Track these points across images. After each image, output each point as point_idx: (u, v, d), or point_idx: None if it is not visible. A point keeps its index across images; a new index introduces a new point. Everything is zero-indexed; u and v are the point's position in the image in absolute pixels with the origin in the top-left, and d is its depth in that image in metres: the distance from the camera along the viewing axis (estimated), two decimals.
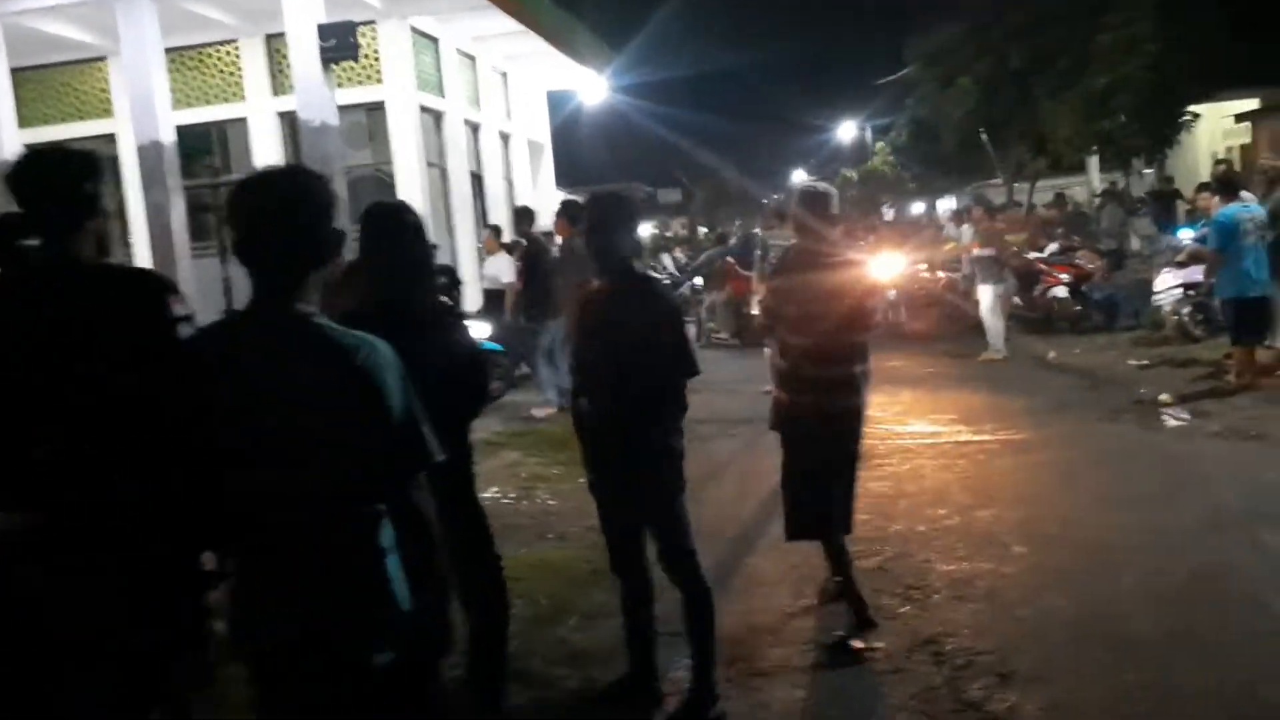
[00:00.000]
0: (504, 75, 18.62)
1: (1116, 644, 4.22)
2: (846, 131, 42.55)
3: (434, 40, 15.36)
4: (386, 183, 14.38)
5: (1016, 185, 25.71)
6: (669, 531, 3.82)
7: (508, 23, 15.43)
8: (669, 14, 25.48)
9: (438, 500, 2.38)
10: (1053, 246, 14.29)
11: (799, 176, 52.19)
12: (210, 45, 14.13)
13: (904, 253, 14.35)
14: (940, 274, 15.55)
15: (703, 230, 39.30)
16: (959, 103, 23.35)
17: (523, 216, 11.91)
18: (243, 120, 14.23)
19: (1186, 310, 11.31)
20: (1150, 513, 5.78)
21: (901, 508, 6.34)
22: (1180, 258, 11.69)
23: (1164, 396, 8.79)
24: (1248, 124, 23.06)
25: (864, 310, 4.53)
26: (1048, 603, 4.69)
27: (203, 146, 14.54)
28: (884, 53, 31.01)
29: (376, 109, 14.20)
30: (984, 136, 26.12)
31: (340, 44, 11.70)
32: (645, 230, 46.65)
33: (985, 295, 11.85)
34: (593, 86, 20.59)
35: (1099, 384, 9.96)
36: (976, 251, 12.20)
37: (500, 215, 17.32)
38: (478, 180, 17.06)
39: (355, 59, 12.02)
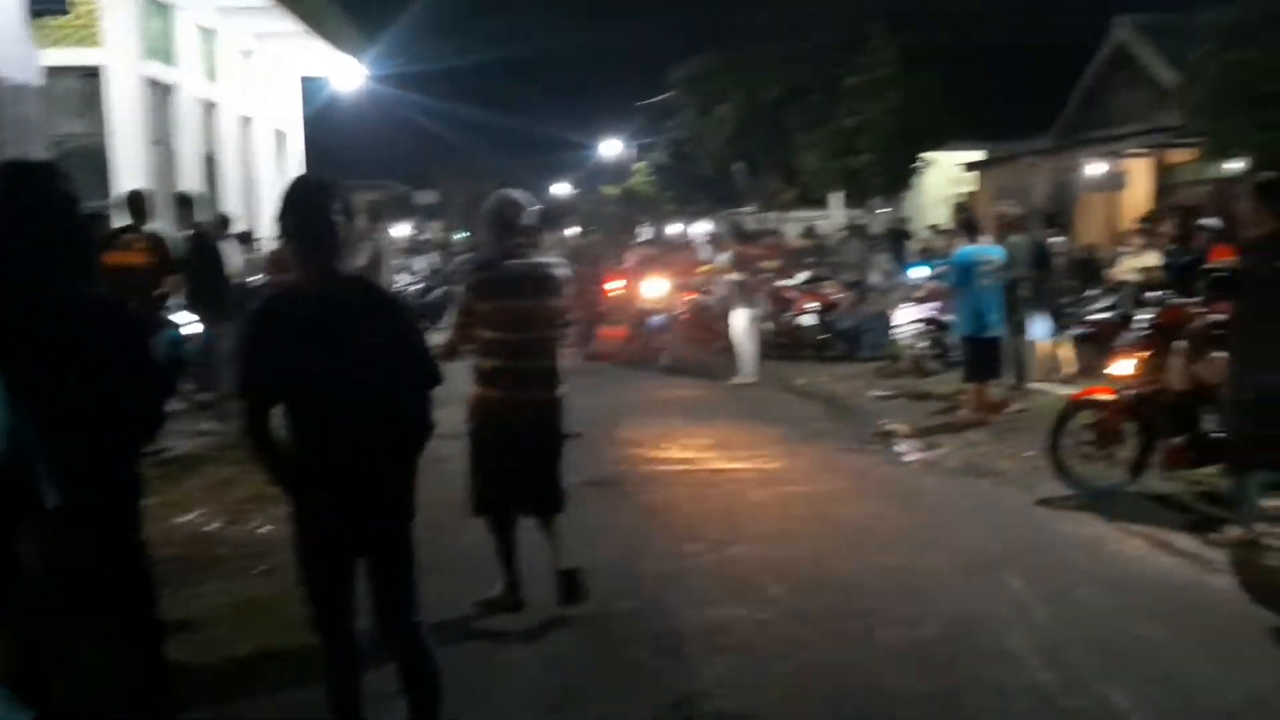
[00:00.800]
0: (248, 54, 17.19)
1: (877, 703, 4.00)
2: (611, 147, 42.87)
3: (166, 6, 13.87)
4: (100, 158, 12.80)
5: (769, 215, 26.58)
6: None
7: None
8: (433, 5, 24.49)
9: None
10: (802, 275, 14.68)
11: (561, 188, 52.33)
12: None
13: (665, 274, 14.28)
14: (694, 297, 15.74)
15: (459, 235, 38.43)
16: (717, 130, 23.85)
17: (183, 204, 10.55)
18: None
19: (924, 345, 11.78)
20: (903, 554, 5.71)
21: (653, 544, 6.00)
22: (919, 293, 12.19)
23: (901, 429, 9.01)
24: (976, 173, 24.91)
25: (554, 309, 4.82)
26: (806, 656, 4.44)
27: None
28: (654, 71, 31.34)
29: (93, 75, 12.60)
30: (737, 167, 26.93)
31: None
32: (402, 231, 45.15)
33: (738, 320, 11.90)
34: (348, 74, 19.44)
35: (844, 414, 10.12)
36: (731, 276, 12.23)
37: (236, 203, 15.97)
38: (211, 163, 15.59)
39: (65, 12, 10.55)
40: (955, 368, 10.46)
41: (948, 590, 5.15)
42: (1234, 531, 5.72)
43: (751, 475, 7.67)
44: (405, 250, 23.70)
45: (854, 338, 13.19)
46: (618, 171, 41.16)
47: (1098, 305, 10.67)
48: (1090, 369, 9.82)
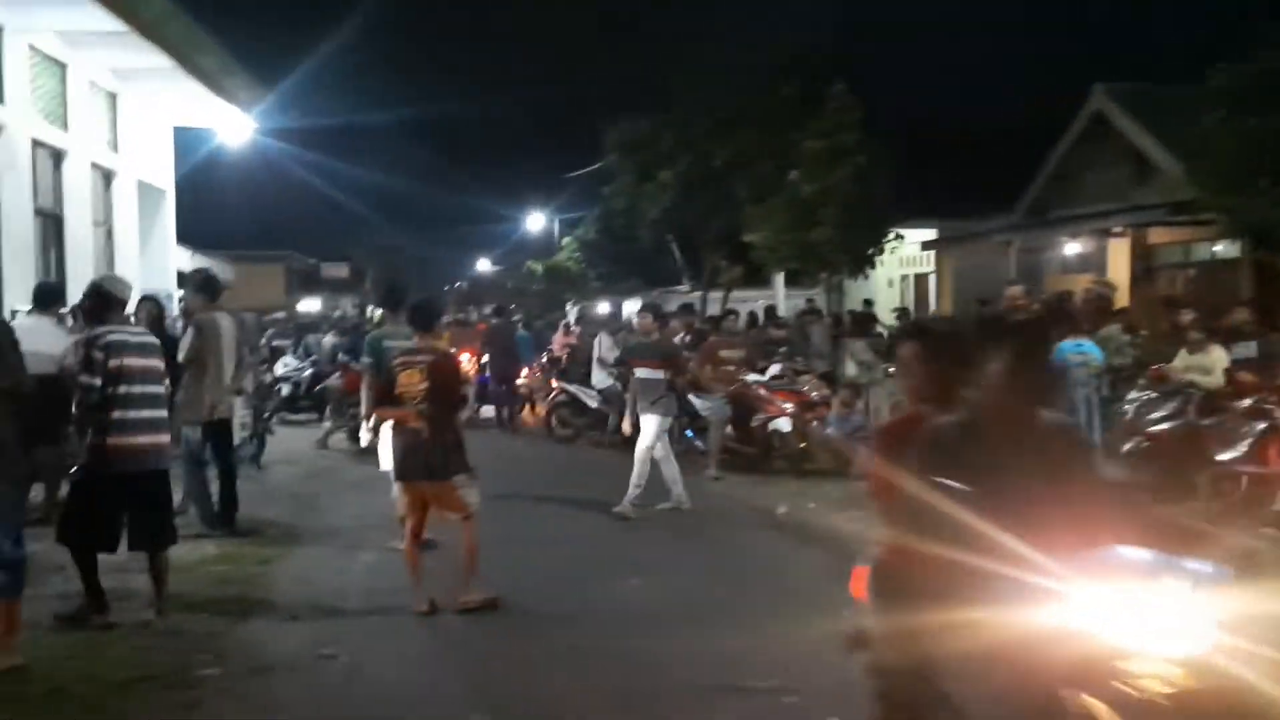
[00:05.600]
0: (111, 95, 14.47)
1: None
2: (535, 222, 40.58)
3: None
4: None
5: (710, 294, 24.31)
6: None
7: (106, 21, 11.55)
8: (334, 57, 21.95)
9: None
10: (774, 369, 12.13)
11: (482, 264, 49.84)
12: None
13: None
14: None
15: (377, 311, 35.47)
16: (656, 198, 21.68)
17: None
18: None
19: None
20: None
21: None
22: None
23: None
24: (931, 252, 23.12)
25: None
26: None
27: None
28: (582, 141, 29.26)
29: None
30: (671, 241, 24.80)
31: None
32: (311, 305, 42.01)
33: (648, 426, 8.87)
34: (235, 127, 16.75)
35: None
36: (640, 371, 9.16)
37: (87, 268, 13.10)
38: (52, 221, 12.74)
39: None
40: None
41: None
42: None
43: None
44: (300, 328, 20.81)
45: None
46: (543, 247, 38.88)
47: (1157, 413, 8.49)
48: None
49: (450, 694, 4.81)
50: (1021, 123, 21.41)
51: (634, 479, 8.82)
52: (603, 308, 36.15)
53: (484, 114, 64.59)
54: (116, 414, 5.49)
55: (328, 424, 13.39)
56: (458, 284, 50.30)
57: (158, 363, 5.87)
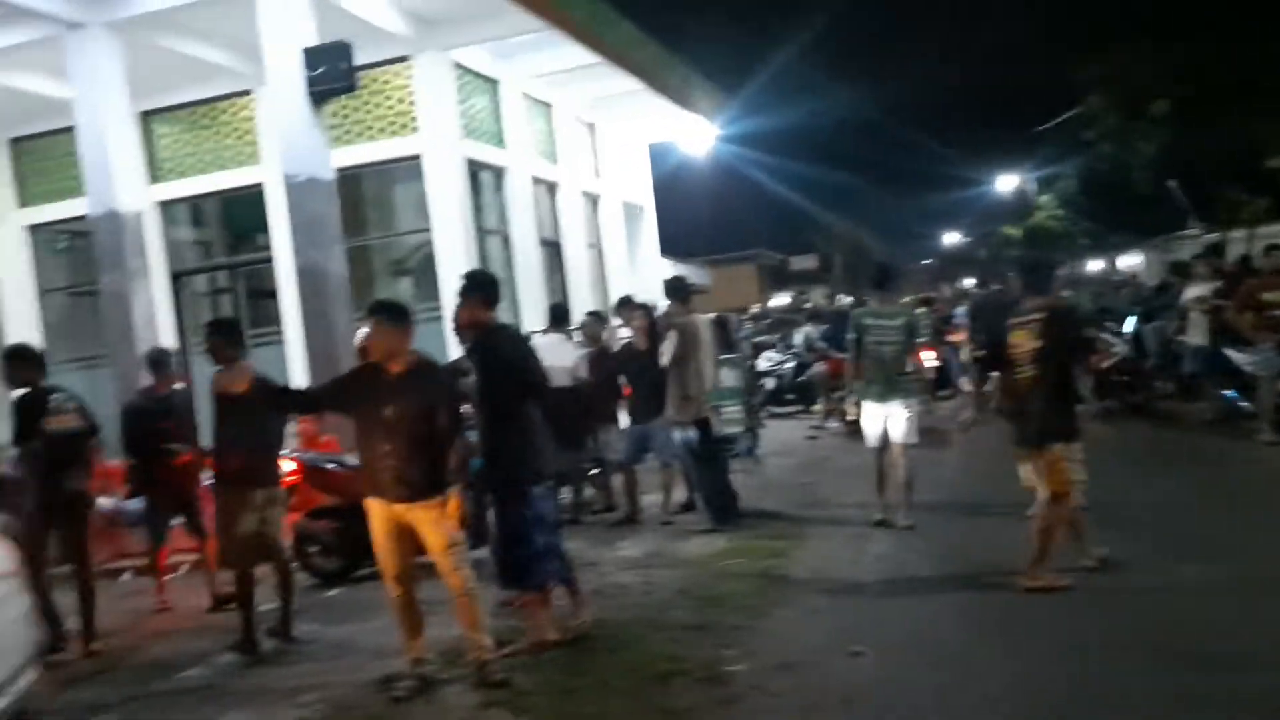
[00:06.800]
0: (590, 125, 15.69)
1: None
2: (1005, 184, 38.06)
3: (491, 81, 12.52)
4: (428, 253, 11.50)
5: (1229, 235, 21.00)
6: None
7: (582, 56, 12.51)
8: (788, 58, 22.15)
9: None
10: None
11: (951, 237, 47.93)
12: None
13: None
14: None
15: (846, 299, 35.49)
16: (1151, 134, 19.13)
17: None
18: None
19: None
20: None
21: None
22: None
23: None
24: None
25: None
26: None
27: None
28: (1044, 95, 26.79)
29: (414, 163, 11.34)
30: (1172, 183, 21.80)
31: (330, 72, 8.87)
32: (781, 300, 43.02)
33: None
34: (699, 136, 17.43)
35: None
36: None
37: (584, 288, 14.31)
38: (553, 248, 14.04)
39: (351, 89, 9.14)
40: None
41: None
42: None
43: None
44: (778, 322, 21.15)
45: None
46: (1016, 209, 36.35)
47: None
48: None
49: (995, 697, 4.28)
50: None
51: None
52: (1094, 266, 33.05)
53: (937, 81, 62.05)
54: None
55: (818, 406, 13.61)
56: (926, 261, 48.84)
57: None
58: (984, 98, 57.98)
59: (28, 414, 6.20)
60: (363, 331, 6.57)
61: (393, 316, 4.90)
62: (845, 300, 27.90)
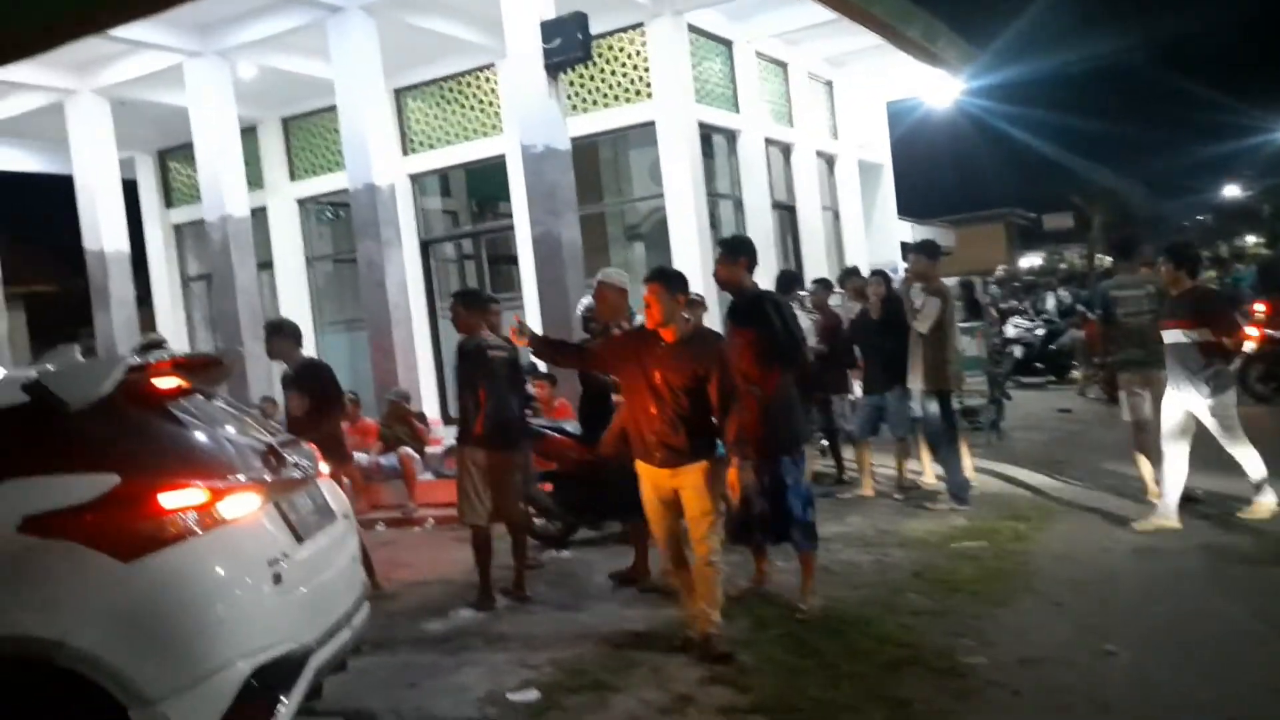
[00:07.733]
0: (828, 84, 15.25)
1: None
2: None
3: (725, 43, 12.37)
4: (660, 219, 11.57)
5: None
6: None
7: (820, 13, 12.12)
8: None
9: None
10: None
11: (1229, 190, 43.51)
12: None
13: None
14: None
15: (1107, 260, 33.03)
16: None
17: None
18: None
19: None
20: None
21: None
22: None
23: None
24: None
25: None
26: None
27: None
28: None
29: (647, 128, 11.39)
30: None
31: (567, 43, 9.01)
32: (1032, 261, 40.57)
33: None
34: (943, 91, 16.56)
35: None
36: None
37: (819, 252, 13.99)
38: (787, 212, 13.79)
39: (586, 59, 9.25)
40: None
41: None
42: None
43: None
44: (1024, 287, 19.95)
45: None
46: None
47: None
48: None
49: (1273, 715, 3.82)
50: None
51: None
52: None
53: (1213, 16, 56.20)
54: None
55: (1077, 374, 12.87)
56: (1200, 218, 44.72)
57: None
58: (1269, 31, 52.12)
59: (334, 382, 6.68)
60: (585, 301, 6.66)
61: (670, 283, 4.87)
62: (1105, 261, 25.88)
